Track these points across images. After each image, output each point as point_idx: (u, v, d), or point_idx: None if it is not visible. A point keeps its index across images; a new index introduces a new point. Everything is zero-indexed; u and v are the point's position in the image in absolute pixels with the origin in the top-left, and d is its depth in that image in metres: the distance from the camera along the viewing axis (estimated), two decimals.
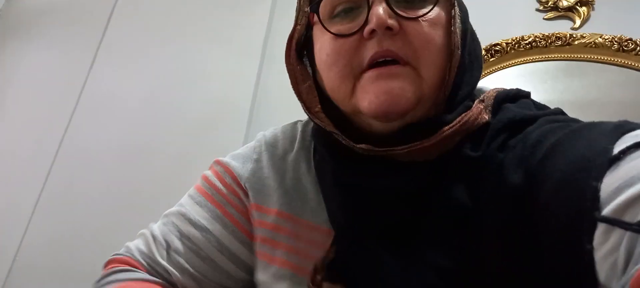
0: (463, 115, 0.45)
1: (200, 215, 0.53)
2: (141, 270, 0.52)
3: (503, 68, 1.52)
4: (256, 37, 1.75)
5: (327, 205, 0.48)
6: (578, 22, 1.51)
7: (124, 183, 1.57)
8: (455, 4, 0.47)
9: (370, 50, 0.44)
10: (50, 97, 1.83)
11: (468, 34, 0.48)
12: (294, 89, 0.52)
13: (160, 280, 0.52)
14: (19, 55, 1.99)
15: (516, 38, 1.54)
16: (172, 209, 0.57)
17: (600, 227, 0.30)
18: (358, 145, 0.45)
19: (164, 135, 1.64)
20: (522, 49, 1.52)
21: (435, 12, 0.45)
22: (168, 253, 0.52)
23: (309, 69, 0.52)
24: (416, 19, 0.44)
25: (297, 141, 0.56)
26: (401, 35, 0.43)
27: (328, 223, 0.47)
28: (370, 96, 0.43)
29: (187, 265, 0.51)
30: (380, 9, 0.42)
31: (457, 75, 0.46)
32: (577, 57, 1.48)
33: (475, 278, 0.39)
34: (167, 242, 0.53)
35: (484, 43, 1.58)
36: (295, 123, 0.60)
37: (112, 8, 1.92)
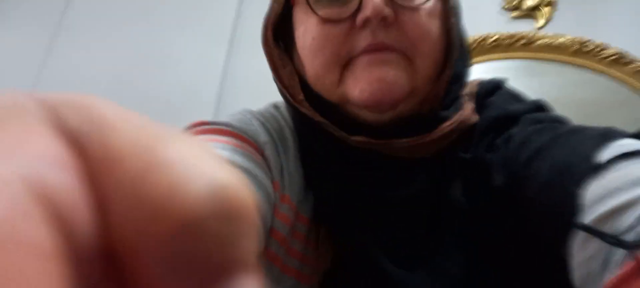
0: (460, 113, 0.43)
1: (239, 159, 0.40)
2: None
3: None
4: (225, 21, 1.72)
5: (316, 198, 0.43)
6: (541, 22, 1.55)
7: None
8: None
9: (362, 41, 0.40)
10: (5, 79, 1.73)
11: (461, 29, 0.46)
12: (274, 74, 0.48)
13: None
14: None
15: (481, 36, 1.57)
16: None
17: (580, 234, 0.29)
18: (352, 137, 0.41)
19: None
20: (487, 47, 1.56)
21: (432, 2, 0.42)
22: None
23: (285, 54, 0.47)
24: (415, 7, 0.40)
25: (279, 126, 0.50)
26: (396, 25, 0.40)
27: (310, 216, 0.43)
28: (362, 84, 0.39)
29: None
30: None
31: (456, 71, 0.44)
32: (539, 56, 1.53)
33: (480, 285, 0.38)
34: None
35: None
36: (271, 105, 0.52)
37: None
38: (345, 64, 0.41)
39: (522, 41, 1.57)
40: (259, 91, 1.70)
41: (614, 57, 1.49)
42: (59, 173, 0.08)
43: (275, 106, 0.52)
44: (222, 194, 0.09)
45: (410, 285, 0.38)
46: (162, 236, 0.09)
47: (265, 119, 0.48)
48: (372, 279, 0.39)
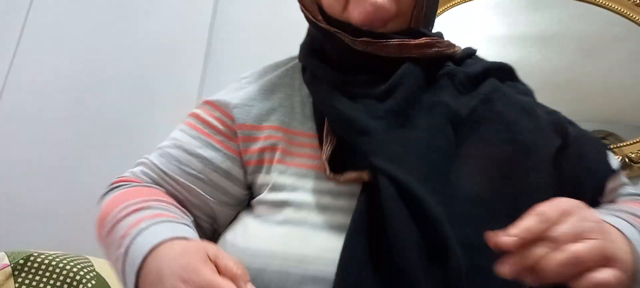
0: (437, 36, 0.58)
1: (194, 144, 0.57)
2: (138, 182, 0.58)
3: (466, 0, 1.50)
4: None
5: (325, 110, 0.53)
6: None
7: (75, 123, 1.50)
8: None
9: None
10: None
11: None
12: (300, 2, 0.63)
13: (162, 189, 0.57)
14: None
15: None
16: (166, 143, 0.60)
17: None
18: (358, 39, 0.54)
19: (115, 69, 1.56)
20: None
21: None
22: (169, 176, 0.57)
23: None
24: None
25: (280, 68, 0.64)
26: None
27: (314, 130, 0.53)
28: (360, 8, 0.55)
29: (191, 186, 0.56)
30: None
31: (427, 5, 0.59)
32: None
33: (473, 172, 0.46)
34: (166, 169, 0.57)
35: None
36: (277, 61, 0.67)
37: None
38: None
39: None
40: (248, 36, 1.67)
41: None
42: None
43: (292, 67, 0.65)
44: None
45: (404, 147, 0.47)
46: None
47: (255, 75, 0.63)
48: (385, 142, 0.48)
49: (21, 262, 0.65)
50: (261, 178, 0.54)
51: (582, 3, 1.46)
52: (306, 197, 0.48)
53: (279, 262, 0.44)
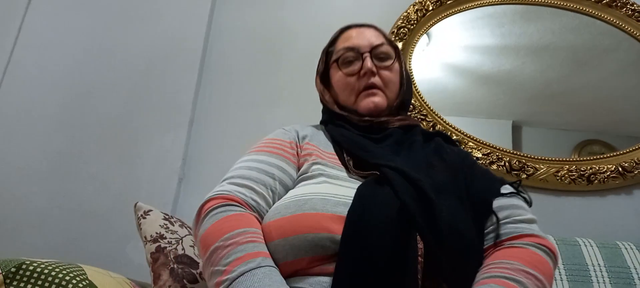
0: (409, 115, 0.90)
1: (275, 158, 0.80)
2: (239, 202, 0.71)
3: (462, 10, 1.51)
4: None
5: (344, 141, 0.82)
6: None
7: (70, 128, 1.49)
8: (402, 60, 0.95)
9: (363, 82, 0.88)
10: None
11: (407, 74, 0.96)
12: (321, 98, 0.95)
13: (255, 214, 0.72)
14: None
15: None
16: (250, 159, 0.80)
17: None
18: (364, 118, 0.86)
19: (111, 76, 1.55)
20: None
21: (394, 65, 0.91)
22: (257, 192, 0.74)
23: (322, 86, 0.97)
24: (386, 68, 0.90)
25: (312, 128, 0.92)
26: (378, 76, 0.88)
27: (334, 151, 0.83)
28: (365, 103, 0.87)
29: (272, 194, 0.76)
30: (369, 62, 0.87)
31: (406, 93, 0.93)
32: (533, 0, 1.50)
33: (435, 172, 0.75)
34: (258, 182, 0.75)
35: None
36: (305, 125, 0.93)
37: None
38: (357, 94, 0.88)
39: None
40: (244, 45, 1.67)
41: (607, 0, 1.47)
42: None
43: (308, 124, 0.94)
44: None
45: (395, 159, 0.75)
46: None
47: (303, 128, 0.90)
48: (384, 157, 0.77)
49: (13, 270, 0.64)
50: (305, 167, 0.80)
51: (574, 14, 1.48)
52: (334, 172, 0.76)
53: (322, 194, 0.68)
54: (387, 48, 0.90)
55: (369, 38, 0.90)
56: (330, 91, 0.94)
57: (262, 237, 0.66)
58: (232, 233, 0.64)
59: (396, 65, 0.91)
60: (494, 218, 0.70)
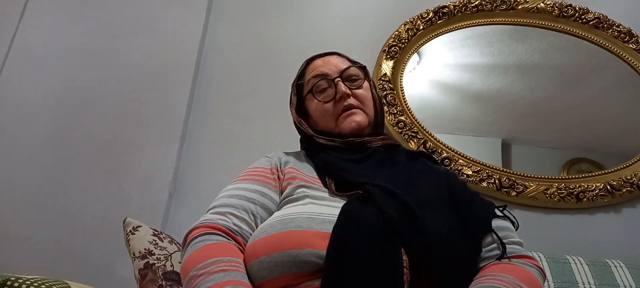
0: (387, 135, 0.96)
1: (256, 185, 0.82)
2: (220, 230, 0.73)
3: (451, 30, 1.53)
4: None
5: (326, 165, 0.85)
6: None
7: (60, 141, 1.48)
8: (371, 79, 0.99)
9: (340, 106, 0.90)
10: None
11: (378, 93, 1.00)
12: (298, 127, 0.96)
13: (236, 244, 0.73)
14: None
15: (463, 0, 1.55)
16: (232, 188, 0.82)
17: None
18: (347, 139, 0.89)
19: (102, 91, 1.55)
20: (469, 12, 1.54)
21: (365, 84, 0.94)
22: (238, 217, 0.76)
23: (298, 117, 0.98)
24: (358, 87, 0.92)
25: (294, 154, 0.95)
26: (353, 96, 0.91)
27: (315, 175, 0.85)
28: (347, 123, 0.89)
29: (254, 218, 0.77)
30: (342, 86, 0.90)
31: (380, 114, 0.97)
32: (521, 21, 1.53)
33: (419, 189, 0.77)
34: (239, 208, 0.77)
35: (433, 5, 1.60)
36: (287, 152, 0.97)
37: None
38: (336, 117, 0.91)
39: (504, 6, 1.56)
40: (239, 60, 1.68)
41: (594, 22, 1.50)
42: None
43: (290, 152, 0.96)
44: None
45: (378, 177, 0.77)
46: None
47: (286, 154, 0.93)
48: (368, 175, 0.79)
49: None
50: (289, 190, 0.82)
51: (562, 35, 1.51)
52: (318, 193, 0.78)
53: (307, 213, 0.70)
54: (354, 70, 0.94)
55: (335, 64, 0.94)
56: (309, 120, 0.96)
57: (238, 265, 0.68)
58: (206, 263, 0.66)
59: (366, 83, 0.95)
60: (489, 238, 0.73)
